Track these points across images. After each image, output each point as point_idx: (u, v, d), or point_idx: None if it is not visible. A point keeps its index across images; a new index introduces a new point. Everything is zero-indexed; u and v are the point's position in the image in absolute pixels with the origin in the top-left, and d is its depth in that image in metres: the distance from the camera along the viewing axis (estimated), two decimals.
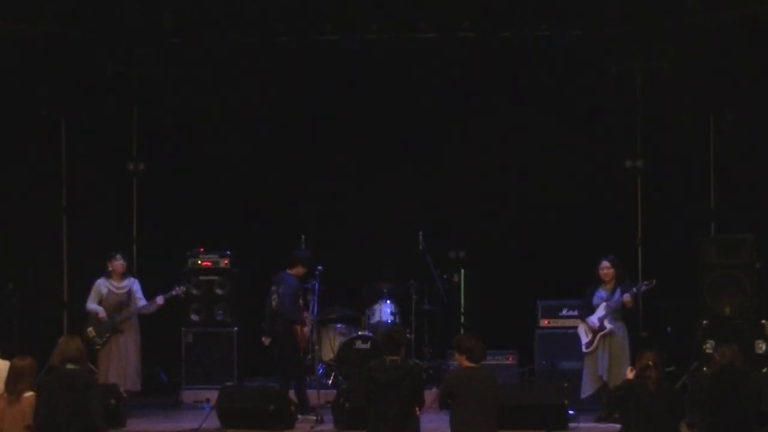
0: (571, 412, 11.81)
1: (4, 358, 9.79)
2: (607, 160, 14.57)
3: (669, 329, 13.73)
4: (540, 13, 13.99)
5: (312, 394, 12.91)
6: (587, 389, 12.24)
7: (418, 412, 9.13)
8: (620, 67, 14.21)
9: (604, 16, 13.91)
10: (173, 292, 13.06)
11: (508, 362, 13.48)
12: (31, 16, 13.67)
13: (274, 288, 12.51)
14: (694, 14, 13.51)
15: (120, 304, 12.76)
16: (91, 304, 12.75)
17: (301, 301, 12.64)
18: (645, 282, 12.17)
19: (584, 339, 12.31)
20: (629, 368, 9.34)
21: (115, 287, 12.83)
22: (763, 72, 13.30)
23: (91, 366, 11.97)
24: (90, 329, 12.64)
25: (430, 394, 11.92)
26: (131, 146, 15.07)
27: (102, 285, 12.83)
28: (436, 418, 11.76)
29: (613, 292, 12.20)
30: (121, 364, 12.70)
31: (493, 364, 12.82)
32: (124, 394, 12.20)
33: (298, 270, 12.54)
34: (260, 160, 15.09)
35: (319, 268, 12.65)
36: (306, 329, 12.48)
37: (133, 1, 14.01)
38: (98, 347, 12.62)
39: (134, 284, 12.97)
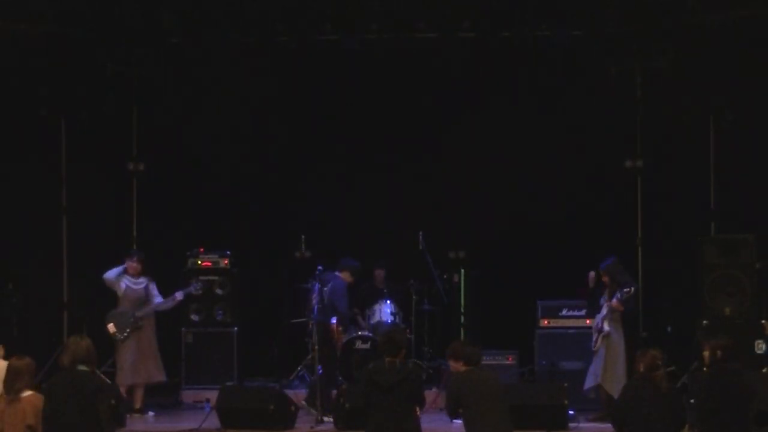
0: (571, 412, 11.83)
1: (4, 358, 9.79)
2: (607, 160, 14.57)
3: (669, 329, 13.73)
4: (540, 13, 13.99)
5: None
6: (588, 384, 12.29)
7: (418, 413, 9.12)
8: (620, 67, 14.21)
9: (604, 16, 13.91)
10: (191, 289, 13.23)
11: (508, 362, 13.46)
12: (31, 16, 13.68)
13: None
14: (694, 14, 13.51)
15: (139, 300, 12.82)
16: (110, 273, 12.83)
17: None
18: (625, 289, 12.17)
19: (593, 338, 12.41)
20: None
21: (132, 283, 12.87)
22: (763, 72, 13.30)
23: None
24: (111, 325, 12.66)
25: (430, 395, 11.93)
26: (131, 146, 15.07)
27: (122, 281, 12.87)
28: (437, 418, 11.77)
29: (611, 295, 12.24)
30: (144, 359, 12.77)
31: (493, 364, 12.83)
32: (122, 394, 12.24)
33: (346, 275, 12.66)
34: (260, 160, 15.09)
35: (319, 268, 12.66)
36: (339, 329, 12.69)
37: (133, 1, 14.01)
38: (121, 341, 12.65)
39: (151, 283, 13.00)
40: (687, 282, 13.08)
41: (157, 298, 13.00)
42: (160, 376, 12.97)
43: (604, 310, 12.26)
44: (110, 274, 12.85)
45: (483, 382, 9.06)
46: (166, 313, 13.31)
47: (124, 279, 12.86)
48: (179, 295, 13.03)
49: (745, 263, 12.62)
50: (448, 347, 9.56)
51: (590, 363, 12.42)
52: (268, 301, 14.82)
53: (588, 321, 12.82)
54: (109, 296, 13.02)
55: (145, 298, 12.89)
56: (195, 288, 13.29)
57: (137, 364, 12.73)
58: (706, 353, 9.39)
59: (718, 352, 9.32)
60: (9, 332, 12.93)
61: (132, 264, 12.87)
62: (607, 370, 12.14)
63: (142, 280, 12.91)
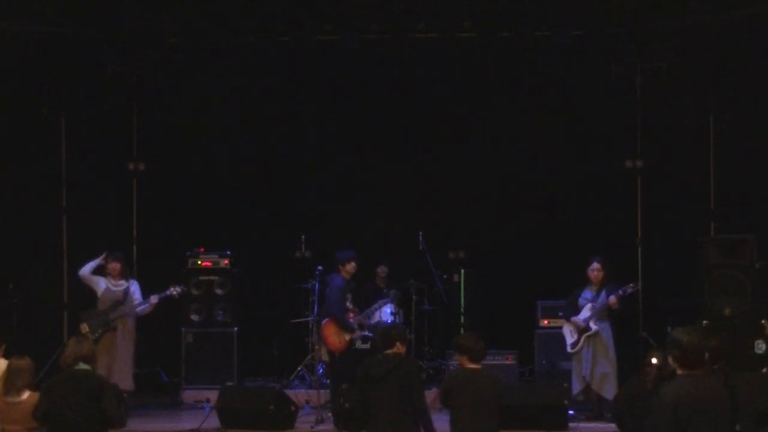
0: (571, 412, 11.83)
1: (4, 357, 9.79)
2: (607, 160, 14.58)
3: (669, 329, 13.70)
4: (540, 13, 13.99)
5: (312, 394, 12.94)
6: (575, 388, 12.27)
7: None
8: (620, 67, 14.21)
9: (604, 16, 13.91)
10: (167, 292, 12.95)
11: (508, 362, 13.47)
12: (31, 16, 13.68)
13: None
14: (694, 14, 13.51)
15: (116, 303, 12.77)
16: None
17: (349, 304, 12.78)
18: (630, 285, 12.17)
19: (569, 339, 12.36)
20: None
21: (112, 285, 12.85)
22: (763, 72, 13.30)
23: None
24: (83, 325, 12.64)
25: (430, 395, 11.92)
26: (131, 146, 15.07)
27: (102, 281, 12.86)
28: (437, 418, 11.74)
29: (599, 294, 12.22)
30: (105, 361, 12.57)
31: (493, 364, 12.81)
32: (121, 394, 12.21)
33: (342, 269, 12.64)
34: (260, 159, 15.09)
35: (319, 267, 12.67)
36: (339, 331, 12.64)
37: (133, 1, 14.01)
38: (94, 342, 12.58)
39: (133, 285, 12.95)
40: (687, 282, 13.07)
41: (137, 301, 12.86)
42: (125, 385, 12.69)
43: (588, 312, 12.22)
44: (84, 270, 12.83)
45: (475, 382, 9.01)
46: (166, 313, 13.29)
47: (104, 280, 12.82)
48: (153, 299, 12.85)
49: (745, 263, 12.58)
50: (455, 339, 9.55)
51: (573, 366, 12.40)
52: (268, 301, 14.82)
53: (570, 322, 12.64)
54: None
55: (122, 300, 12.80)
56: (171, 292, 12.97)
57: (111, 366, 12.63)
58: None
59: (706, 354, 9.32)
60: (9, 332, 12.91)
61: (111, 265, 12.84)
62: (594, 370, 12.11)
63: (122, 283, 12.86)
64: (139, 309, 12.86)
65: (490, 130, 14.67)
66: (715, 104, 13.74)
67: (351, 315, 12.78)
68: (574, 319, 12.28)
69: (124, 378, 12.70)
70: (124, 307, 12.76)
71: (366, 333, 13.61)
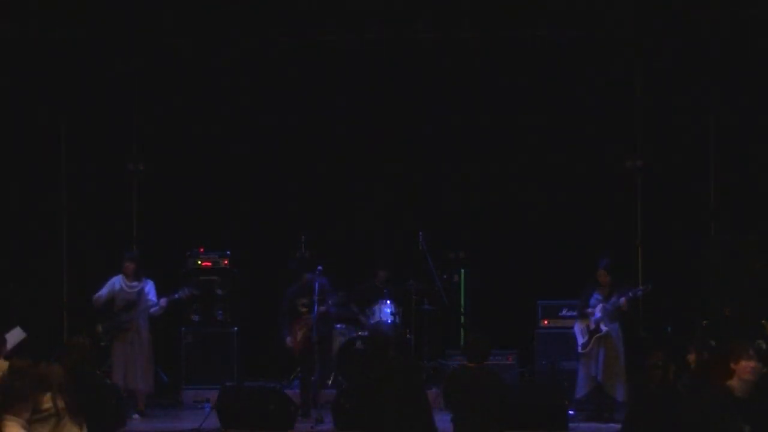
0: (571, 412, 11.83)
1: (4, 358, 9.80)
2: (607, 160, 14.58)
3: (669, 329, 13.74)
4: (540, 13, 13.99)
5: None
6: (582, 389, 12.26)
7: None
8: (620, 67, 14.21)
9: (604, 16, 13.92)
10: (176, 295, 12.98)
11: (508, 362, 13.47)
12: (31, 16, 13.68)
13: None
14: (695, 13, 13.52)
15: (129, 304, 12.76)
16: (98, 293, 12.79)
17: (302, 308, 12.85)
18: (641, 287, 12.17)
19: (580, 339, 12.35)
20: None
21: (126, 286, 12.82)
22: (763, 72, 13.31)
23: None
24: (99, 326, 12.64)
25: (430, 395, 11.92)
26: (131, 146, 15.06)
27: (116, 282, 12.84)
28: (437, 418, 11.74)
29: (609, 296, 12.23)
30: (129, 363, 12.67)
31: (493, 364, 12.80)
32: (125, 394, 12.25)
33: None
34: (260, 160, 15.08)
35: (319, 267, 12.67)
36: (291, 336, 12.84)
37: (133, 1, 14.01)
38: (103, 344, 12.60)
39: (147, 285, 12.90)
40: (687, 282, 13.08)
41: (152, 302, 12.86)
42: (148, 387, 12.82)
43: (598, 313, 12.23)
44: (101, 294, 12.80)
45: (473, 382, 9.02)
46: (166, 312, 13.30)
47: (119, 279, 12.82)
48: (163, 302, 12.85)
49: (745, 263, 12.60)
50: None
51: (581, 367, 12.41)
52: (268, 301, 14.81)
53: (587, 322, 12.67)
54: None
55: (136, 302, 12.79)
56: (181, 294, 13.00)
57: (128, 368, 12.67)
58: (692, 356, 9.41)
59: (705, 354, 9.34)
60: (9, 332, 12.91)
61: (126, 264, 12.84)
62: (606, 372, 12.11)
63: (136, 284, 12.84)
64: (151, 310, 12.87)
65: (490, 130, 14.67)
66: (715, 104, 13.75)
67: (303, 317, 12.83)
68: (582, 321, 12.31)
69: (147, 380, 12.81)
70: (138, 308, 12.75)
71: (366, 333, 13.62)
